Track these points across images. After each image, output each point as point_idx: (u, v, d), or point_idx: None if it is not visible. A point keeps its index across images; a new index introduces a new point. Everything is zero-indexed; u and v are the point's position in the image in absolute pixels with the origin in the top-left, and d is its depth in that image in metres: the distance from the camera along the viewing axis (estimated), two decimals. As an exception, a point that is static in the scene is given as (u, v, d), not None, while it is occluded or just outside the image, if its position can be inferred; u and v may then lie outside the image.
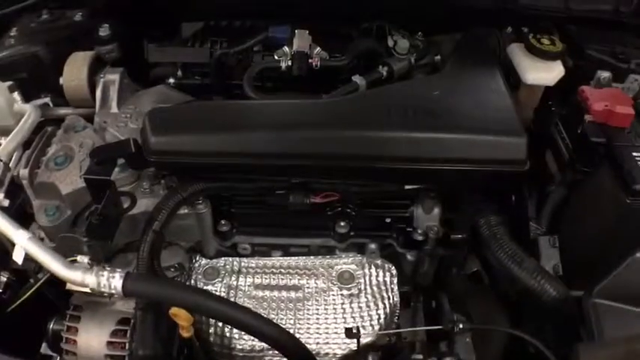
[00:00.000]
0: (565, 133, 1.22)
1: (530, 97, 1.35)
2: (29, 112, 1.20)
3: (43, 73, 1.42)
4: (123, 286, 0.93)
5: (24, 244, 0.96)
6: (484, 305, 1.20)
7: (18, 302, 1.12)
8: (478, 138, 1.11)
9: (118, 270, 0.95)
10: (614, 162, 1.09)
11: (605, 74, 1.29)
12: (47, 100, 1.44)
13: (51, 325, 1.18)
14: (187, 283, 1.24)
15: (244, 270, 1.28)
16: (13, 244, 1.00)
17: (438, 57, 1.43)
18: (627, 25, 1.47)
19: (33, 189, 1.18)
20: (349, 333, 1.02)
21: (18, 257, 0.97)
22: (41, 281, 1.12)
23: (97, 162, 1.08)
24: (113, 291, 0.93)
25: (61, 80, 1.36)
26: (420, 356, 1.21)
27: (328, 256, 1.30)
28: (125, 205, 1.10)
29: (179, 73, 1.42)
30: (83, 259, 1.06)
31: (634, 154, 1.10)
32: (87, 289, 0.99)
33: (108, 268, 0.94)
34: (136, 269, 1.09)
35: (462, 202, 1.23)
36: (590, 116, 1.15)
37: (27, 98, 1.41)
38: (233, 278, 1.26)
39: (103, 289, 0.93)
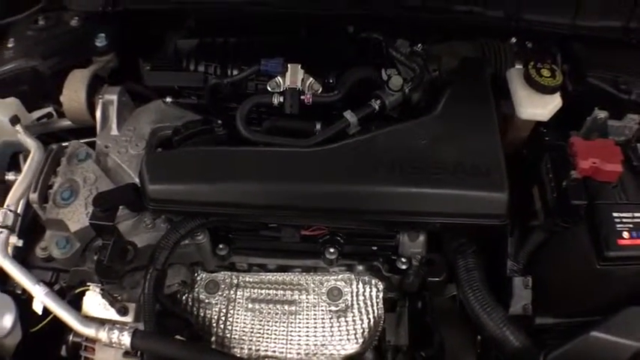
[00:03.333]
0: (552, 176, 1.28)
1: (524, 126, 1.40)
2: (33, 153, 1.31)
3: (43, 86, 1.49)
4: (131, 343, 1.10)
5: (42, 299, 1.12)
6: (456, 330, 1.35)
7: (44, 323, 1.30)
8: (460, 193, 1.20)
9: (126, 328, 1.11)
10: (592, 223, 1.18)
11: (601, 114, 1.32)
12: (50, 109, 1.54)
13: (70, 337, 1.36)
14: (190, 296, 1.43)
15: (242, 284, 1.44)
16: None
17: (437, 72, 1.46)
18: (636, 47, 1.46)
19: (44, 221, 1.32)
20: None
21: (37, 308, 1.14)
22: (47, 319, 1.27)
23: (100, 210, 1.20)
24: (122, 347, 1.10)
25: (61, 98, 1.43)
26: None
27: (319, 273, 1.45)
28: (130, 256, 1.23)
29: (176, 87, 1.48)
30: (95, 288, 1.25)
31: (614, 214, 1.19)
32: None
33: (118, 327, 1.11)
34: (142, 305, 1.25)
35: (445, 239, 1.34)
36: (575, 172, 1.21)
37: (30, 109, 1.51)
38: (232, 291, 1.43)
39: (113, 345, 1.11)
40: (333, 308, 1.40)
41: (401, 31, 1.49)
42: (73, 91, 1.41)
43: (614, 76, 1.39)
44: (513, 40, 1.50)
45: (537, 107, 1.34)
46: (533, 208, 1.34)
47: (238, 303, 1.42)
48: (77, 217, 1.29)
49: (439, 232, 1.36)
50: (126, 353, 1.29)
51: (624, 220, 1.18)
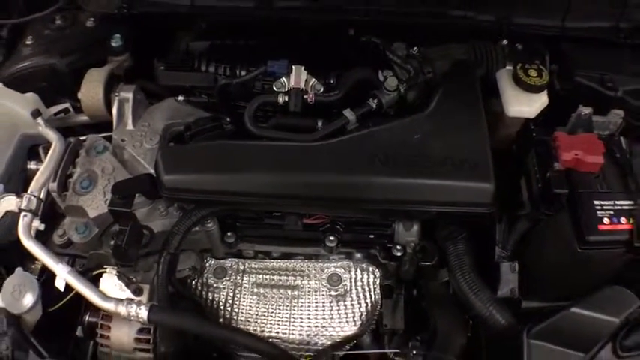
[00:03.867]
0: (538, 169, 1.38)
1: (513, 123, 1.50)
2: (55, 144, 1.41)
3: (61, 82, 1.59)
4: (148, 317, 1.20)
5: (65, 277, 1.23)
6: (448, 314, 1.45)
7: (62, 302, 1.40)
8: (450, 183, 1.30)
9: (143, 303, 1.22)
10: (574, 210, 1.28)
11: (586, 110, 1.42)
12: (67, 105, 1.64)
13: (87, 317, 1.47)
14: (199, 281, 1.53)
15: (248, 270, 1.55)
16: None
17: (431, 73, 1.56)
18: (624, 46, 1.55)
19: (63, 209, 1.43)
20: None
21: (60, 285, 1.25)
22: (68, 297, 1.36)
23: (118, 197, 1.31)
24: (140, 319, 1.21)
25: (79, 95, 1.53)
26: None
27: (320, 260, 1.56)
28: (146, 240, 1.34)
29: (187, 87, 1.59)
30: (111, 270, 1.35)
31: (595, 202, 1.28)
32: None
33: (136, 301, 1.22)
34: (156, 286, 1.35)
35: (437, 226, 1.45)
36: (558, 164, 1.31)
37: (48, 104, 1.61)
38: (238, 277, 1.53)
39: (132, 318, 1.21)
40: (332, 293, 1.50)
41: (398, 35, 1.59)
42: (91, 88, 1.52)
43: (601, 75, 1.49)
44: (504, 42, 1.60)
45: (524, 105, 1.45)
46: (520, 199, 1.45)
47: (244, 287, 1.52)
48: (96, 204, 1.39)
49: (432, 221, 1.47)
50: (139, 331, 1.39)
51: (605, 207, 1.27)
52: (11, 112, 1.54)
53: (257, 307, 1.49)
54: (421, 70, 1.54)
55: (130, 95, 1.53)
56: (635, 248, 1.24)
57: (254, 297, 1.52)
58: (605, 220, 1.25)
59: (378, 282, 1.52)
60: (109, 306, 1.22)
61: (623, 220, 1.26)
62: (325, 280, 1.52)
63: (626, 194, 1.30)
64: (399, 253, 1.48)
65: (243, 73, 1.53)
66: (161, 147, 1.43)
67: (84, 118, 1.62)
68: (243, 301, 1.50)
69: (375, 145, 1.34)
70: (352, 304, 1.50)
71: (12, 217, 1.39)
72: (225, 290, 1.52)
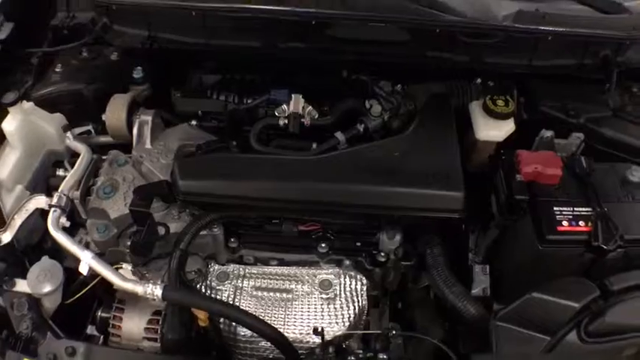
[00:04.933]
0: (503, 182, 1.60)
1: (485, 147, 1.75)
2: (83, 154, 1.64)
3: (85, 107, 1.81)
4: (162, 295, 1.38)
5: (89, 262, 1.42)
6: (428, 312, 1.64)
7: (77, 296, 1.58)
8: (426, 192, 1.53)
9: (159, 283, 1.40)
10: (534, 214, 1.48)
11: (547, 133, 1.67)
12: (90, 127, 1.87)
13: (99, 313, 1.63)
14: (204, 284, 1.71)
15: (248, 275, 1.72)
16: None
17: (412, 106, 1.82)
18: (588, 80, 1.79)
19: (85, 211, 1.64)
20: (315, 331, 1.48)
21: (83, 270, 1.44)
22: (89, 286, 1.55)
23: (139, 198, 1.53)
24: (155, 297, 1.39)
25: (104, 117, 1.77)
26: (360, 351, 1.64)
27: (313, 267, 1.75)
28: (162, 232, 1.55)
29: (199, 114, 1.84)
30: (127, 267, 1.54)
31: (555, 208, 1.48)
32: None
33: (152, 281, 1.40)
34: (168, 277, 1.54)
35: (416, 235, 1.66)
36: (520, 176, 1.53)
37: (72, 126, 1.81)
38: (239, 281, 1.71)
39: (148, 296, 1.39)
40: (323, 296, 1.67)
41: (384, 74, 1.86)
42: (115, 110, 1.76)
43: (564, 104, 1.73)
44: (478, 80, 1.87)
45: (493, 130, 1.70)
46: (491, 212, 1.67)
47: (244, 291, 1.69)
48: (117, 206, 1.60)
49: (413, 232, 1.68)
50: (149, 322, 1.57)
51: (564, 212, 1.47)
52: (40, 129, 1.74)
53: (255, 308, 1.65)
54: (404, 103, 1.80)
55: (149, 118, 1.77)
56: (593, 248, 1.42)
57: (253, 299, 1.68)
58: (565, 223, 1.45)
59: (364, 289, 1.70)
60: (128, 286, 1.41)
61: (581, 223, 1.45)
62: (317, 285, 1.69)
63: (585, 202, 1.48)
64: (383, 259, 1.68)
65: (249, 101, 1.79)
66: (177, 158, 1.65)
67: (104, 139, 1.85)
68: (243, 303, 1.66)
69: (362, 160, 1.59)
70: (341, 307, 1.66)
71: (35, 220, 1.60)
72: (227, 292, 1.69)
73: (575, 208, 1.48)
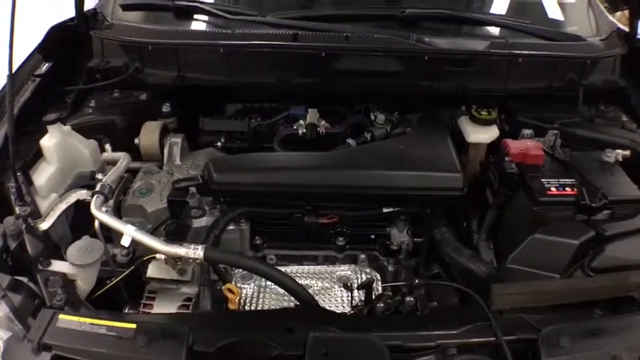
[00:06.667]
0: (495, 171, 1.85)
1: (476, 154, 2.02)
2: (123, 157, 1.87)
3: (117, 135, 2.04)
4: (204, 254, 1.52)
5: (132, 234, 1.58)
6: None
7: (106, 288, 1.65)
8: (430, 174, 1.78)
9: (199, 246, 1.54)
10: (526, 185, 1.72)
11: (527, 131, 1.97)
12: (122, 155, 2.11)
13: (127, 309, 1.71)
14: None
15: (270, 274, 1.89)
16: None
17: (409, 128, 2.12)
18: (558, 97, 2.13)
19: (121, 211, 1.83)
20: (345, 286, 1.67)
21: (125, 242, 1.58)
22: (124, 274, 1.67)
23: (176, 188, 1.74)
24: (197, 257, 1.51)
25: (137, 140, 2.02)
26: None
27: (331, 265, 1.92)
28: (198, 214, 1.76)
29: (223, 139, 2.11)
30: (160, 257, 1.70)
31: (543, 180, 1.72)
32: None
33: (193, 245, 1.54)
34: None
35: (424, 223, 1.88)
36: (509, 157, 1.80)
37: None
38: (262, 280, 1.86)
39: (190, 257, 1.52)
40: (343, 289, 1.83)
41: (381, 102, 2.18)
42: (149, 133, 2.03)
43: (540, 114, 2.05)
44: (463, 107, 2.20)
45: (480, 134, 2.00)
46: (488, 203, 1.90)
47: (268, 289, 1.83)
48: (153, 203, 1.80)
49: (420, 222, 1.90)
50: (180, 307, 1.68)
51: (551, 182, 1.71)
52: (75, 150, 1.88)
53: (276, 305, 1.77)
54: (400, 125, 2.12)
55: (179, 140, 2.04)
56: (582, 206, 1.64)
57: (276, 296, 1.83)
58: (553, 189, 1.69)
59: (379, 283, 1.86)
60: (170, 249, 1.55)
61: (568, 189, 1.69)
62: (336, 280, 1.86)
63: (568, 175, 1.73)
64: (395, 247, 1.88)
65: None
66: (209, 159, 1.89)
67: (131, 165, 2.07)
68: (267, 301, 1.79)
69: (372, 152, 1.87)
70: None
71: (66, 218, 1.75)
72: (251, 291, 1.83)
73: (560, 180, 1.73)
